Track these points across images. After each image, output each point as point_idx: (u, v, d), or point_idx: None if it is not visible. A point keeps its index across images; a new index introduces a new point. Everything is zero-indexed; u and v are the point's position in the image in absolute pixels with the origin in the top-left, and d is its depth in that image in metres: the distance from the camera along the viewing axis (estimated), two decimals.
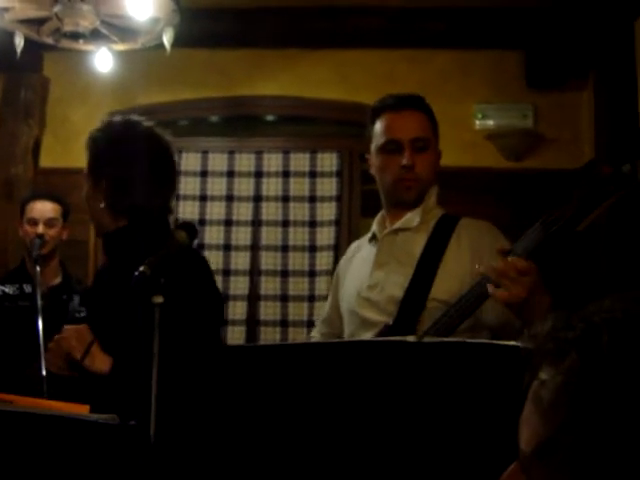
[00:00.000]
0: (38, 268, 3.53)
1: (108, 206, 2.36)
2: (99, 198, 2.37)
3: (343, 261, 2.86)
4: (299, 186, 5.29)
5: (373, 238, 2.68)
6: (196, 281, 2.30)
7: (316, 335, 2.90)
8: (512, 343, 1.44)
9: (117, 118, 2.50)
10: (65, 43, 4.12)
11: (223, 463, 1.50)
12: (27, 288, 3.76)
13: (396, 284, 2.48)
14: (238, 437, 1.53)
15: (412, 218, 2.55)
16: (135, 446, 1.22)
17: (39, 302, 3.35)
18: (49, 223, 3.96)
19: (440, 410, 1.42)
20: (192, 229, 2.01)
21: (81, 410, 1.26)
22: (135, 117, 2.52)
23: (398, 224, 2.57)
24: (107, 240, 2.41)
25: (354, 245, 2.87)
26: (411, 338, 1.43)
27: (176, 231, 1.98)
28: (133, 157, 2.35)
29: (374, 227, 2.68)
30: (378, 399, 1.43)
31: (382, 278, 2.53)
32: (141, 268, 1.80)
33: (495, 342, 1.52)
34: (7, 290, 3.73)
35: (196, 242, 2.28)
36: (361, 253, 2.73)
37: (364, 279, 2.60)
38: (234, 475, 1.55)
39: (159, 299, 1.80)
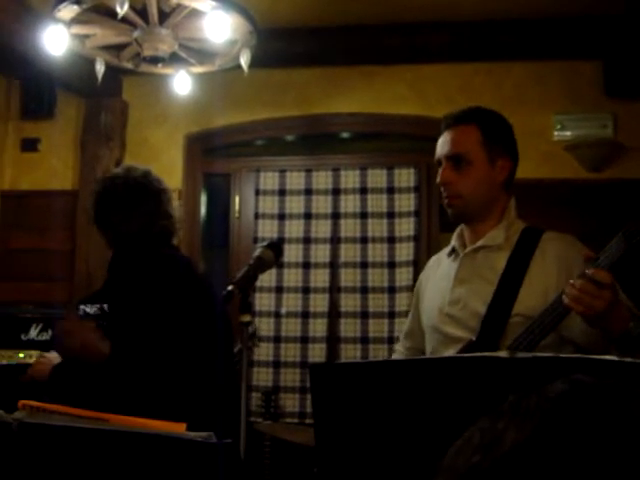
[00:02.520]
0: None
1: (105, 240, 2.99)
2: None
3: (423, 276, 2.83)
4: (377, 202, 5.29)
5: (452, 252, 2.65)
6: None
7: (400, 349, 2.88)
8: (607, 357, 1.41)
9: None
10: (144, 67, 4.20)
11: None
12: (107, 308, 3.80)
13: (478, 300, 2.45)
14: (331, 453, 1.52)
15: (496, 235, 2.51)
16: (230, 464, 1.22)
17: None
18: None
19: None
20: (278, 248, 2.03)
21: (177, 428, 1.27)
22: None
23: (481, 242, 2.53)
24: (109, 264, 2.98)
25: (433, 259, 2.84)
26: (503, 354, 1.42)
27: (263, 250, 2.00)
28: (109, 199, 2.91)
29: (453, 241, 2.65)
30: (468, 416, 1.42)
31: (464, 294, 2.50)
32: (229, 287, 1.82)
33: (589, 356, 1.49)
34: (88, 310, 3.77)
35: None
36: (441, 268, 2.71)
37: (445, 295, 2.57)
38: None
39: (247, 318, 1.82)
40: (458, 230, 2.65)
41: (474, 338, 2.38)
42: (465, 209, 2.52)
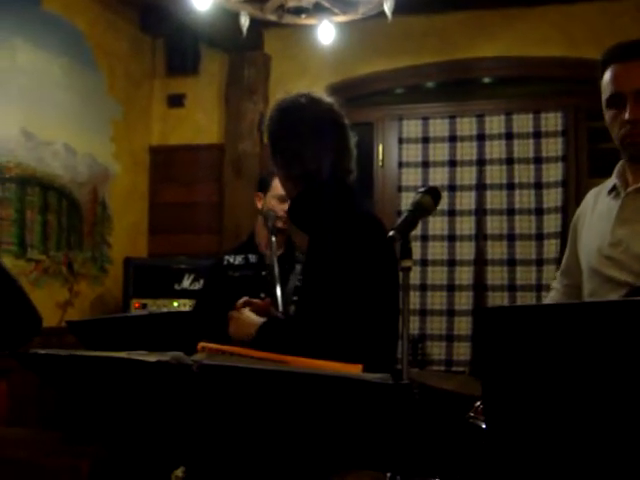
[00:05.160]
0: (274, 238, 3.62)
1: (286, 176, 2.56)
2: (281, 173, 2.59)
3: (580, 211, 2.71)
4: (523, 148, 5.18)
5: (613, 190, 2.54)
6: None
7: (557, 286, 2.80)
8: None
9: (284, 96, 2.63)
10: (288, 19, 4.21)
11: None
12: (252, 258, 3.86)
13: None
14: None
15: None
16: (407, 405, 1.23)
17: (276, 270, 3.43)
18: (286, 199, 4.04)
19: None
20: (437, 194, 2.01)
21: (354, 369, 1.29)
22: (303, 92, 2.62)
23: None
24: (291, 206, 2.58)
25: (591, 193, 2.69)
26: None
27: (421, 196, 1.99)
28: (298, 128, 2.50)
29: (614, 179, 2.54)
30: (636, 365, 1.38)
31: (626, 236, 2.41)
32: (390, 233, 1.82)
33: None
34: (232, 260, 3.85)
35: None
36: (599, 205, 2.59)
37: (605, 235, 2.47)
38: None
39: (408, 263, 1.82)
40: (619, 167, 2.53)
41: (638, 284, 2.30)
42: None
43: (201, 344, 1.43)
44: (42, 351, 1.48)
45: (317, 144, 2.48)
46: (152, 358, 1.33)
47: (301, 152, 2.48)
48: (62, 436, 1.64)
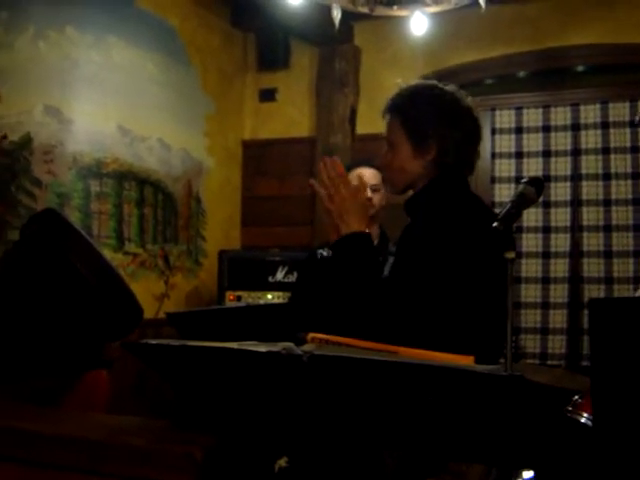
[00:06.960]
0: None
1: (434, 164, 2.40)
2: (424, 158, 2.41)
3: None
4: (620, 137, 5.07)
5: None
6: None
7: None
8: None
9: (423, 81, 2.55)
10: (379, 11, 4.20)
11: None
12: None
13: None
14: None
15: None
16: (517, 397, 1.23)
17: None
18: (373, 189, 4.04)
19: None
20: (540, 184, 1.99)
21: (466, 361, 1.29)
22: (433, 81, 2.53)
23: None
24: (420, 194, 2.44)
25: None
26: None
27: (524, 186, 1.96)
28: (457, 116, 2.41)
29: None
30: None
31: None
32: (494, 224, 1.80)
33: None
34: (325, 254, 3.86)
35: None
36: None
37: None
38: None
39: (511, 254, 1.80)
40: None
41: None
42: None
43: (311, 334, 1.44)
44: (154, 341, 1.51)
45: (469, 137, 2.44)
46: (263, 348, 1.35)
47: (459, 142, 2.40)
48: (172, 424, 1.67)
